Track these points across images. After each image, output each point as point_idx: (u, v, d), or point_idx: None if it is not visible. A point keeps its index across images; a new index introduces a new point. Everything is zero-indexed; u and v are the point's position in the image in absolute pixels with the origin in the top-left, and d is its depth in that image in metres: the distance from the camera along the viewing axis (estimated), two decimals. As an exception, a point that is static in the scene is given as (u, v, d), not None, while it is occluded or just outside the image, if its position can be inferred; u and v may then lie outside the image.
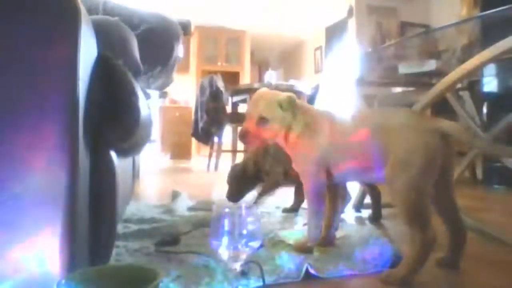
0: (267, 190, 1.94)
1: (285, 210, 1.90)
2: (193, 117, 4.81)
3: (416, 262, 0.96)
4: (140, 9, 1.46)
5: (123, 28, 1.20)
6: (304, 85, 4.54)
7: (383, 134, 1.05)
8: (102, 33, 0.93)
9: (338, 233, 1.34)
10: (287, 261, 1.06)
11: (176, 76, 2.02)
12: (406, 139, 1.01)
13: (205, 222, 1.50)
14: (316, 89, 4.23)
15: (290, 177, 1.87)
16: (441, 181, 1.02)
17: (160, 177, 3.90)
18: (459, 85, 2.49)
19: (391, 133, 1.04)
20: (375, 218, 1.77)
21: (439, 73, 2.06)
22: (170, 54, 1.52)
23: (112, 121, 0.84)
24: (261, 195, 1.96)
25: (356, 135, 1.12)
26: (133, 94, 0.89)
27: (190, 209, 1.92)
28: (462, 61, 1.41)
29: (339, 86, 5.44)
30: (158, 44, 1.36)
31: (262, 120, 1.20)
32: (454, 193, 1.08)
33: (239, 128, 5.20)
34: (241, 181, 1.94)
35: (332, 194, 1.28)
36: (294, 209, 1.91)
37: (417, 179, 0.98)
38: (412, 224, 0.97)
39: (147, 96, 1.65)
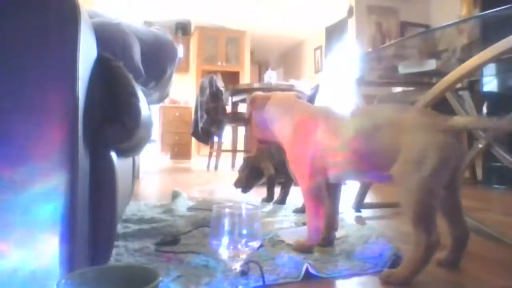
0: (268, 186, 2.15)
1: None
2: (193, 117, 4.81)
3: (418, 264, 0.95)
4: (136, 25, 1.44)
5: (124, 31, 1.20)
6: (304, 85, 4.54)
7: (392, 132, 1.01)
8: (103, 35, 0.93)
9: (338, 233, 1.34)
10: (287, 261, 1.06)
11: (176, 76, 2.04)
12: (419, 138, 0.96)
13: (205, 222, 1.50)
14: (316, 89, 4.23)
15: (282, 174, 2.10)
16: (449, 182, 0.99)
17: (160, 177, 3.90)
18: (459, 85, 2.49)
19: (401, 131, 0.99)
20: (358, 207, 1.94)
21: (439, 73, 2.06)
22: (163, 72, 1.52)
23: (112, 122, 0.84)
24: (269, 191, 2.16)
25: (358, 133, 1.08)
26: (133, 95, 0.89)
27: (190, 209, 1.93)
28: (462, 61, 1.41)
29: (339, 86, 5.44)
30: (151, 63, 1.36)
31: None
32: (460, 194, 1.05)
33: (238, 128, 5.18)
34: (250, 173, 2.16)
35: (332, 194, 1.27)
36: (281, 201, 2.14)
37: (429, 180, 0.94)
38: (418, 225, 0.95)
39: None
